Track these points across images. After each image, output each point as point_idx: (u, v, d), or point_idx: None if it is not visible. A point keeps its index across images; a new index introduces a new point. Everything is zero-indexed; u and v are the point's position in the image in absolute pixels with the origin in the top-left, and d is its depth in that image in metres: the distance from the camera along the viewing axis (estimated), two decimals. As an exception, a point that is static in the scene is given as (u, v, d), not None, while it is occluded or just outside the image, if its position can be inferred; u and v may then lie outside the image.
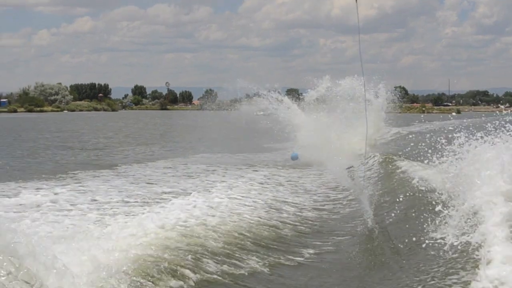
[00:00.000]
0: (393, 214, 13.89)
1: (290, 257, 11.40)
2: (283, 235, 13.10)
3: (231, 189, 17.67)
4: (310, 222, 14.69)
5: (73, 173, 21.51)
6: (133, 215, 13.20)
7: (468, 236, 9.66)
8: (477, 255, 8.73)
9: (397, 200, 14.28)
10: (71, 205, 14.77)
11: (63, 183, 18.66)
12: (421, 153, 14.57)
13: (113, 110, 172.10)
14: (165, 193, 17.15)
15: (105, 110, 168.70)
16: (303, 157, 27.31)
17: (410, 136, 38.08)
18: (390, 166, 21.78)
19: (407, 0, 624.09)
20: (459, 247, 9.56)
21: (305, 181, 21.67)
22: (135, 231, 11.13)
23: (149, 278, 8.99)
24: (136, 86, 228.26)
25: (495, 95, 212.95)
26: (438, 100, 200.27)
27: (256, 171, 23.27)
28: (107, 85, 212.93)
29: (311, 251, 11.89)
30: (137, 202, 15.63)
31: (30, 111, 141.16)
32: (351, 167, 22.82)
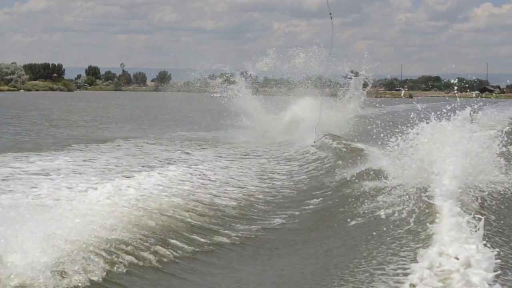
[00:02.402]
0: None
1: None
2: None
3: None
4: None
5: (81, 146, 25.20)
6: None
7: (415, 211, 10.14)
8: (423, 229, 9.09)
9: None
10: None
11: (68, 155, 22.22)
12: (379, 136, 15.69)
13: (69, 90, 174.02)
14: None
15: (61, 90, 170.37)
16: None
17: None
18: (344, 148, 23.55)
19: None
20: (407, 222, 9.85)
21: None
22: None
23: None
24: (90, 67, 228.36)
25: (446, 81, 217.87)
26: (390, 85, 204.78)
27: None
28: (61, 65, 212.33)
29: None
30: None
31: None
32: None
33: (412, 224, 9.64)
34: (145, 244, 9.69)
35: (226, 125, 35.11)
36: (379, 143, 17.42)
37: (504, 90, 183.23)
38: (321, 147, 25.16)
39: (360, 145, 23.88)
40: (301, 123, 33.17)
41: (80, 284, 7.78)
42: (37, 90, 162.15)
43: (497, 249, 7.68)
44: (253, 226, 11.99)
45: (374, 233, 9.85)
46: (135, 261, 8.96)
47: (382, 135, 15.33)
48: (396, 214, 10.56)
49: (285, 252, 10.15)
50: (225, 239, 10.85)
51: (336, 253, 9.61)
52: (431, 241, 8.30)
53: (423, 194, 10.93)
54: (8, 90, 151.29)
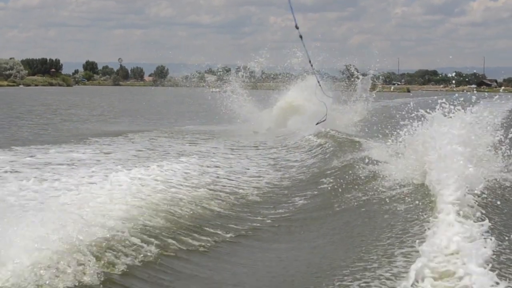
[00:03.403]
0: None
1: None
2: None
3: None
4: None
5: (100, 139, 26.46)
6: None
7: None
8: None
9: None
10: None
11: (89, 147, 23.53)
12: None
13: (68, 85, 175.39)
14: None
15: (60, 85, 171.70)
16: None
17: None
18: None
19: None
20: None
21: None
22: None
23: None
24: (87, 62, 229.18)
25: (443, 75, 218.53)
26: (387, 79, 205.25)
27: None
28: (58, 60, 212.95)
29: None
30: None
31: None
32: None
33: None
34: (186, 230, 10.77)
35: (229, 119, 36.21)
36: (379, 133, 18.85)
37: (502, 83, 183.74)
38: (321, 135, 26.45)
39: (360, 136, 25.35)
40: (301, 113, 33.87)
41: (124, 268, 8.43)
42: (36, 85, 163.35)
43: (499, 243, 8.01)
44: (280, 210, 13.22)
45: (387, 207, 11.18)
46: (182, 246, 9.93)
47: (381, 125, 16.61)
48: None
49: (313, 227, 11.45)
50: (257, 224, 11.98)
51: (354, 224, 11.02)
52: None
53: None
54: (8, 85, 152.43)
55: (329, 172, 17.47)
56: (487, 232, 8.10)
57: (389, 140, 15.49)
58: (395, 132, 14.90)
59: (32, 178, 14.76)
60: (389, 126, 15.96)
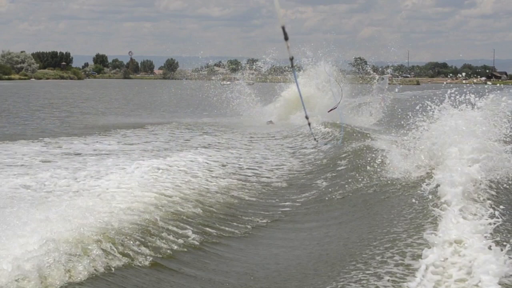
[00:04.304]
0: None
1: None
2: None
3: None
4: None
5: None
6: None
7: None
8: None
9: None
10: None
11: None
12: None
13: (79, 78, 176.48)
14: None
15: (71, 78, 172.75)
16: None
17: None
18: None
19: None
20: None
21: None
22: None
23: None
24: (97, 55, 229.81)
25: (453, 67, 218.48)
26: (398, 71, 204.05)
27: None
28: (69, 53, 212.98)
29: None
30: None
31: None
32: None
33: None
34: (221, 218, 11.60)
35: (241, 111, 37.22)
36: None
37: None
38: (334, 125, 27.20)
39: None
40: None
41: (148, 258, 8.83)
42: (47, 78, 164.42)
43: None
44: (305, 194, 14.34)
45: (402, 191, 12.16)
46: (221, 233, 10.67)
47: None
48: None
49: (338, 206, 12.63)
50: (287, 209, 12.98)
51: (372, 202, 12.27)
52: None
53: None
54: (20, 78, 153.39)
55: (344, 155, 18.52)
56: (494, 224, 8.60)
57: (401, 130, 16.47)
58: (406, 124, 15.41)
59: (66, 167, 15.86)
60: (399, 117, 17.11)
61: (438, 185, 10.84)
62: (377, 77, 36.30)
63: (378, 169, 14.57)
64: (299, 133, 27.20)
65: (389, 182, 13.29)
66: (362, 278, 7.71)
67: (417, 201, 10.74)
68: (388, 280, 7.52)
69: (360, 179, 14.28)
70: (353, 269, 8.10)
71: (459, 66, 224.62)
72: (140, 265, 8.55)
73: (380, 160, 15.29)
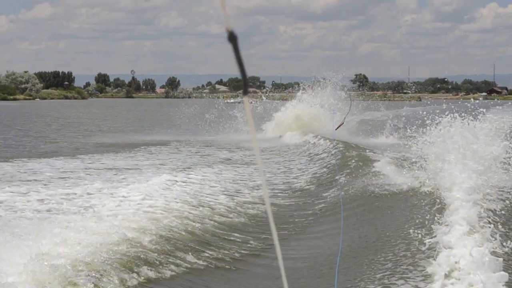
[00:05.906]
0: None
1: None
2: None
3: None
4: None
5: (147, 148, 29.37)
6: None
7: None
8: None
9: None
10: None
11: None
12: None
13: (83, 98, 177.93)
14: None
15: (75, 98, 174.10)
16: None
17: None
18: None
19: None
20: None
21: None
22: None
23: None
24: (99, 74, 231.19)
25: (454, 83, 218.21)
26: (398, 88, 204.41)
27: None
28: (71, 73, 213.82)
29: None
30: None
31: (3, 99, 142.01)
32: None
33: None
34: (242, 231, 12.54)
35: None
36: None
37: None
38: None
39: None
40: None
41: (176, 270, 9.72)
42: (51, 98, 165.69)
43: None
44: (331, 197, 15.92)
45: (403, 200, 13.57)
46: (242, 250, 11.24)
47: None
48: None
49: (365, 206, 14.05)
50: (316, 211, 14.58)
51: (368, 208, 13.76)
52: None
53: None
54: (24, 99, 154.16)
55: (347, 168, 19.52)
56: (496, 235, 9.00)
57: (405, 144, 17.70)
58: (411, 135, 16.25)
59: (99, 180, 17.66)
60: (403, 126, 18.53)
61: (444, 198, 11.51)
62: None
63: (380, 181, 15.71)
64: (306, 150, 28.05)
65: (392, 193, 14.34)
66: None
67: (423, 211, 11.65)
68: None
69: (360, 190, 15.36)
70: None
71: (460, 81, 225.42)
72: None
73: (379, 171, 16.90)
